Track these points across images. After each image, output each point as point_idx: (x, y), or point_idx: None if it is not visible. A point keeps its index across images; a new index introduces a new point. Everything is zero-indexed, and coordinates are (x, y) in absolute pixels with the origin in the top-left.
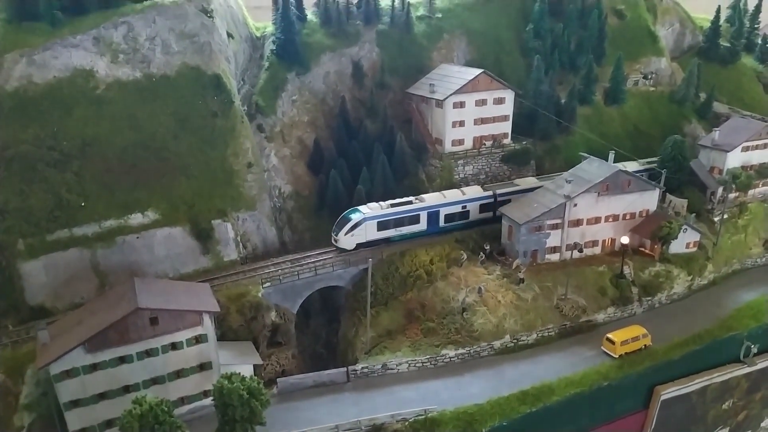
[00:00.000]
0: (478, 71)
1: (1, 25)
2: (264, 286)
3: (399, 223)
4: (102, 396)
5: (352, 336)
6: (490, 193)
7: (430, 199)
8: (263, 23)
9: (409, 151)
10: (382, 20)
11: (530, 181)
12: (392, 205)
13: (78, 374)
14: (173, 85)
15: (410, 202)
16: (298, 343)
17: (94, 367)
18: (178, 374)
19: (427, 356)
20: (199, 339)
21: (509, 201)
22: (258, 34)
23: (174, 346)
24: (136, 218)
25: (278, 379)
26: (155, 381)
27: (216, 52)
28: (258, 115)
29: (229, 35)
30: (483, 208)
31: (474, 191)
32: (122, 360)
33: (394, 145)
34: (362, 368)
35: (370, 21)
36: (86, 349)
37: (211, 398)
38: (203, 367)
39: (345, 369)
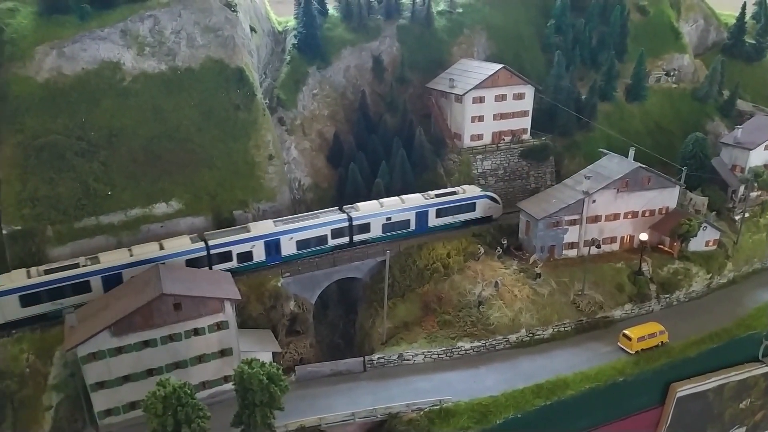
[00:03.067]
0: (498, 66)
1: (33, 18)
2: (283, 276)
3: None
4: (126, 378)
5: (369, 327)
6: (344, 216)
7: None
8: (285, 18)
9: (428, 145)
10: (403, 15)
11: (393, 202)
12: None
13: (104, 357)
14: (197, 78)
15: (246, 229)
16: (316, 333)
17: (119, 350)
18: (200, 359)
19: (443, 348)
20: (220, 326)
21: (368, 225)
22: (280, 29)
23: (196, 332)
24: (160, 207)
25: (296, 367)
26: (178, 365)
27: (239, 46)
28: (279, 108)
29: (252, 29)
30: (336, 233)
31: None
32: (146, 344)
33: (413, 140)
34: (378, 358)
35: (390, 16)
36: (112, 333)
37: (232, 383)
38: (224, 353)
39: (361, 359)
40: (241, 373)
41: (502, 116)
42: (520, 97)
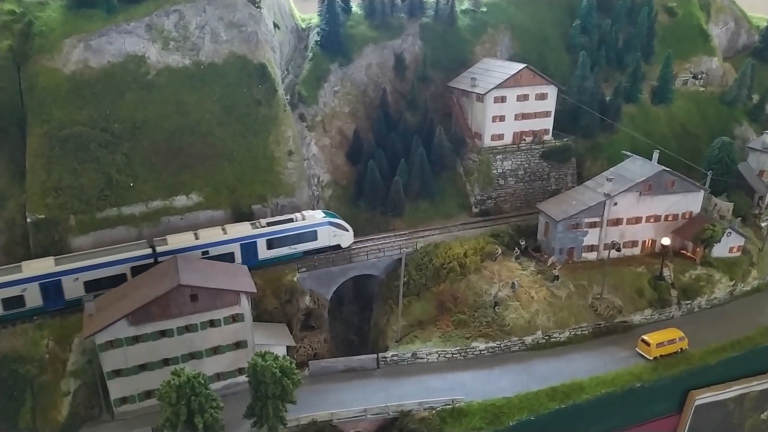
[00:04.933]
0: (520, 66)
1: (61, 11)
2: (300, 271)
3: None
4: (142, 367)
5: (383, 324)
6: (148, 251)
7: None
8: (309, 15)
9: (447, 144)
10: (426, 13)
11: (213, 233)
12: None
13: (121, 345)
14: (220, 73)
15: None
16: (331, 329)
17: (136, 339)
18: (215, 351)
19: (458, 348)
20: (235, 318)
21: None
22: (303, 26)
23: (212, 324)
24: (180, 200)
25: (310, 362)
26: (193, 356)
27: (262, 42)
28: (300, 104)
29: (276, 26)
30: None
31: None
32: (163, 334)
33: (433, 138)
34: (392, 356)
35: (413, 14)
36: (130, 322)
37: (246, 375)
38: (239, 345)
39: (375, 356)
40: (255, 365)
41: (524, 116)
42: (542, 97)
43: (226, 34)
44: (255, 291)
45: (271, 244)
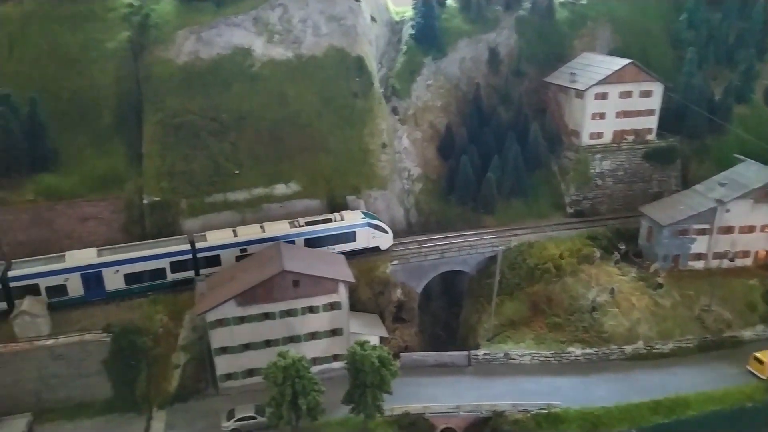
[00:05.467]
0: (625, 61)
1: (175, 3)
2: (392, 263)
3: None
4: (246, 346)
5: (474, 322)
6: (187, 246)
7: None
8: (403, 8)
9: (542, 141)
10: (523, 6)
11: (252, 231)
12: None
13: (229, 324)
14: (320, 66)
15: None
16: (419, 322)
17: (242, 320)
18: (313, 336)
19: (552, 351)
20: (333, 306)
21: (217, 258)
22: (397, 19)
23: (311, 310)
24: (280, 188)
25: (402, 354)
26: (292, 339)
27: (360, 35)
28: (393, 97)
29: (373, 19)
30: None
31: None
32: (266, 316)
33: (528, 135)
34: (484, 354)
35: (510, 7)
36: (237, 303)
37: (340, 362)
38: (335, 332)
39: (467, 353)
40: (354, 353)
41: (626, 114)
42: (647, 94)
43: (326, 28)
44: (353, 280)
45: (309, 244)
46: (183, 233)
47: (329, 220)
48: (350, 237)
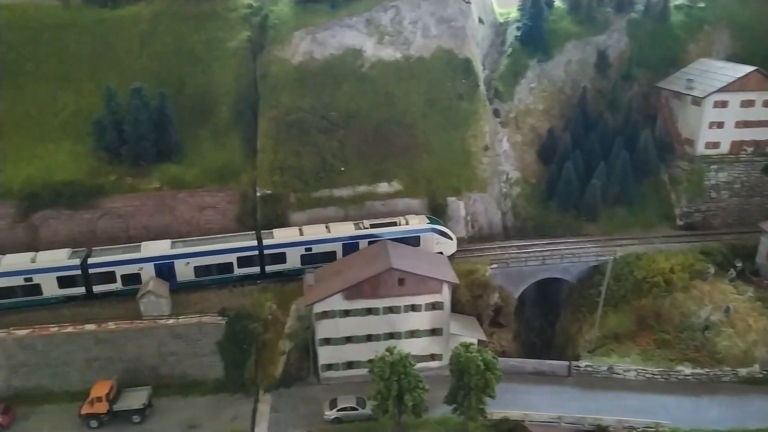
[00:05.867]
0: (749, 68)
1: (291, 5)
2: (491, 267)
3: None
4: (348, 339)
5: (573, 332)
6: (254, 242)
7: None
8: (507, 9)
9: (652, 149)
10: (635, 8)
11: (317, 230)
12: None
13: (334, 316)
14: (427, 67)
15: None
16: (514, 328)
17: (347, 313)
18: (412, 334)
19: (660, 369)
20: (435, 306)
21: (282, 255)
22: (501, 20)
23: (413, 308)
24: (383, 187)
25: (499, 359)
26: (392, 336)
27: (469, 37)
28: (495, 100)
29: (480, 21)
30: (243, 261)
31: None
32: (370, 311)
33: (636, 141)
34: (586, 366)
35: (621, 9)
36: (344, 297)
37: (437, 362)
38: (434, 332)
39: (567, 363)
40: (458, 354)
41: (746, 124)
42: None
43: (436, 29)
44: (457, 282)
45: None
46: (291, 225)
47: (394, 224)
48: (414, 241)
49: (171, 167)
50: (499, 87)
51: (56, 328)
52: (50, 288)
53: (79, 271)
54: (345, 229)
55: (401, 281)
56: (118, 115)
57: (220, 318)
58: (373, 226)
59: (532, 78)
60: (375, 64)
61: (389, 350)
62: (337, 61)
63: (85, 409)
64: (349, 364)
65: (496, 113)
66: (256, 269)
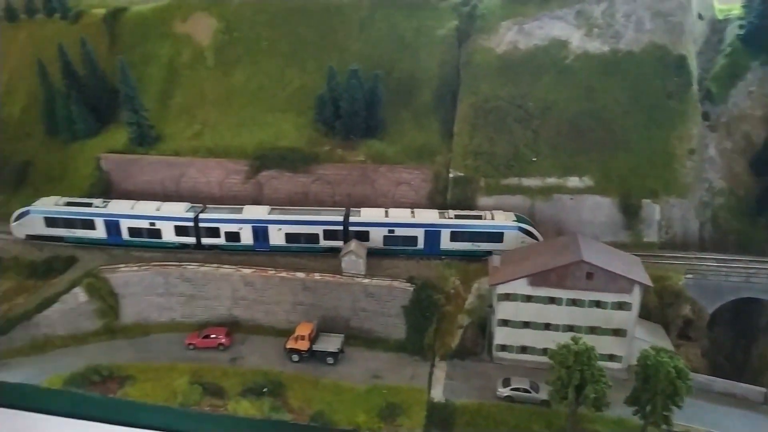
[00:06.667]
0: None
1: None
2: (686, 276)
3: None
4: (526, 324)
5: None
6: (339, 217)
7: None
8: (728, 5)
9: None
10: None
11: (401, 214)
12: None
13: (516, 300)
14: (636, 62)
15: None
16: (702, 345)
17: (528, 299)
18: (593, 330)
19: None
20: (622, 306)
21: (366, 233)
22: (720, 17)
23: (598, 304)
24: (573, 181)
25: None
26: (571, 328)
27: (686, 33)
28: (706, 101)
29: (700, 16)
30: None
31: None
32: (552, 300)
33: None
34: None
35: None
36: (529, 282)
37: (616, 363)
38: (617, 332)
39: (765, 390)
40: (647, 357)
41: None
42: None
43: (650, 23)
44: (651, 284)
45: (454, 237)
46: (478, 209)
47: (479, 217)
48: (497, 237)
49: (375, 143)
50: (712, 88)
51: (273, 272)
52: (168, 234)
53: (191, 223)
54: (429, 216)
55: (590, 275)
56: (336, 93)
57: (409, 285)
58: (457, 217)
59: (753, 81)
60: (579, 56)
61: (574, 339)
62: (541, 51)
63: (290, 344)
64: (523, 349)
65: (705, 116)
66: (340, 243)
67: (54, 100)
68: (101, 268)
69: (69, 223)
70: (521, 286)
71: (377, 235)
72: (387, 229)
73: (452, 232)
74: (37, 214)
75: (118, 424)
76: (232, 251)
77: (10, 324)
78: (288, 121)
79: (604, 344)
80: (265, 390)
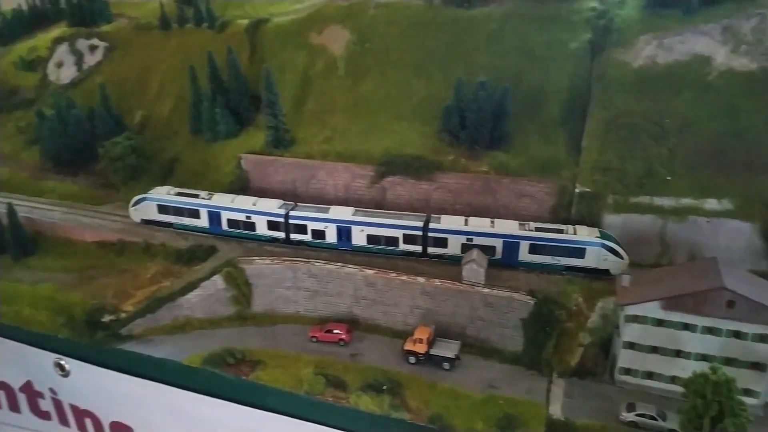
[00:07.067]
0: None
1: (639, 9)
2: None
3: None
4: (654, 349)
5: None
6: (420, 223)
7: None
8: None
9: None
10: None
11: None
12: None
13: (645, 322)
14: None
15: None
16: None
17: (660, 323)
18: (729, 362)
19: None
20: (764, 338)
21: (444, 240)
22: None
23: (737, 335)
24: (710, 203)
25: None
26: (705, 357)
27: None
28: None
29: None
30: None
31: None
32: (686, 326)
33: None
34: None
35: None
36: (662, 305)
37: (752, 399)
38: (757, 366)
39: None
40: None
41: None
42: None
43: None
44: None
45: (533, 249)
46: (603, 227)
47: (560, 231)
48: (579, 252)
49: (499, 155)
50: None
51: (394, 274)
52: (262, 228)
53: (282, 219)
54: (509, 227)
55: (730, 303)
56: (463, 104)
57: (529, 298)
58: (538, 229)
59: None
60: (723, 73)
61: (713, 369)
62: (681, 67)
63: (408, 346)
64: (649, 374)
65: None
66: (419, 248)
67: (200, 103)
68: (239, 259)
69: (178, 211)
70: (653, 309)
71: (456, 243)
72: (465, 237)
73: (531, 245)
74: (152, 201)
75: (250, 406)
76: (315, 248)
77: (157, 304)
78: (413, 130)
79: (740, 377)
80: (385, 387)
